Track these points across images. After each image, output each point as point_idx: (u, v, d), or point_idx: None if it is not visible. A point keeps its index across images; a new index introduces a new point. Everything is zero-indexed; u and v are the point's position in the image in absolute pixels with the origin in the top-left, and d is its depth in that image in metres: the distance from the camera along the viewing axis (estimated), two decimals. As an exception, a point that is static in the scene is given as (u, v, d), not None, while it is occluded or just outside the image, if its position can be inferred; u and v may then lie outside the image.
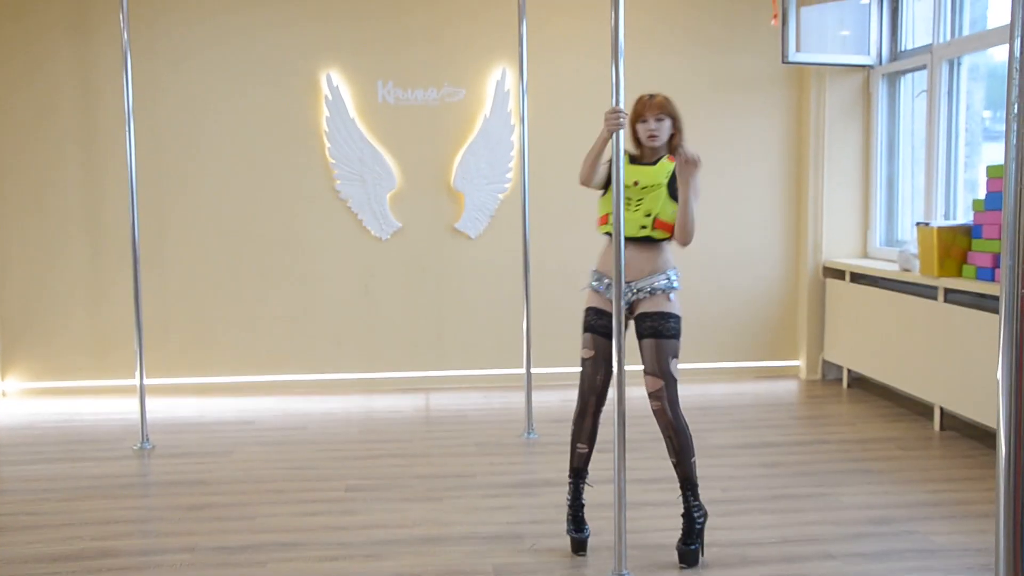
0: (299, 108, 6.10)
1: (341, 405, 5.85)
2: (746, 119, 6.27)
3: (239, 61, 6.06)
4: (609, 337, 3.33)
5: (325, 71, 6.08)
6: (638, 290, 3.34)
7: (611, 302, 3.37)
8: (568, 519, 3.46)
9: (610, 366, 3.32)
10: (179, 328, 6.15)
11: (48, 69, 5.98)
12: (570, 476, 3.50)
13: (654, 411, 3.30)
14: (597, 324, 3.39)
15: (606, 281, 3.41)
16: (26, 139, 6.00)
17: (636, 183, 3.34)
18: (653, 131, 3.35)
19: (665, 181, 3.32)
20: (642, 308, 3.34)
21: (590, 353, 3.38)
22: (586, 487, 3.51)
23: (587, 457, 3.46)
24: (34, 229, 6.05)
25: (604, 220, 3.45)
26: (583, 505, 3.48)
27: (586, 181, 3.39)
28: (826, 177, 6.19)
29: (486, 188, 6.19)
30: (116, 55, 5.74)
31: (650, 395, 3.30)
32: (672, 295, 3.34)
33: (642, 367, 3.32)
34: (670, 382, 3.28)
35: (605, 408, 3.39)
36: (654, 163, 3.37)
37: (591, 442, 3.44)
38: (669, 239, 3.36)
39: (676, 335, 3.32)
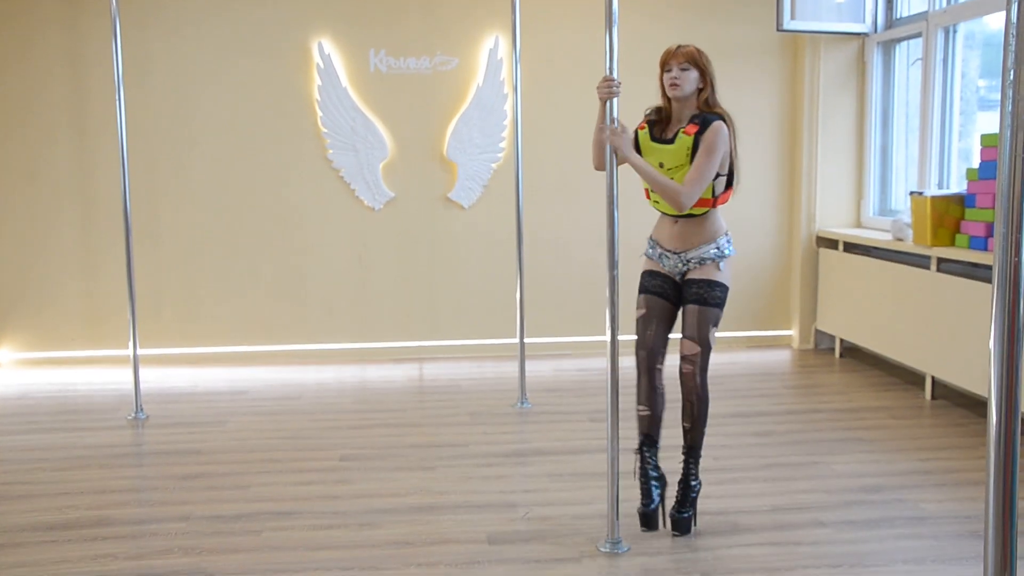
0: (291, 77, 6.06)
1: (334, 375, 5.85)
2: (740, 88, 6.23)
3: (230, 30, 6.00)
4: (662, 296, 3.35)
5: (317, 39, 6.03)
6: (688, 260, 3.32)
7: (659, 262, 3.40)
8: (641, 491, 3.32)
9: (662, 324, 3.33)
10: (172, 298, 6.14)
11: (38, 42, 5.92)
12: (637, 445, 3.37)
13: (682, 373, 3.27)
14: (651, 284, 3.38)
15: (659, 251, 3.39)
16: (17, 111, 5.95)
17: (662, 165, 3.28)
18: (675, 79, 3.25)
19: (688, 159, 3.24)
20: (691, 275, 3.32)
21: (642, 311, 3.36)
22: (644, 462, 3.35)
23: (650, 421, 3.33)
24: (27, 201, 6.02)
25: (648, 194, 3.39)
26: (653, 476, 3.31)
27: (599, 165, 3.31)
28: (820, 146, 6.18)
29: (479, 157, 6.16)
30: (106, 26, 5.68)
31: (683, 358, 3.28)
32: (723, 263, 3.32)
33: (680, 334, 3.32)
34: (706, 349, 3.27)
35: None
36: (672, 140, 3.28)
37: (651, 404, 3.32)
38: (711, 209, 3.32)
39: (720, 304, 3.30)
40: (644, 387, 3.33)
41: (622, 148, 3.16)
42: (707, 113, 3.27)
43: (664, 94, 3.34)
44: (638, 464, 3.34)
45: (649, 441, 3.34)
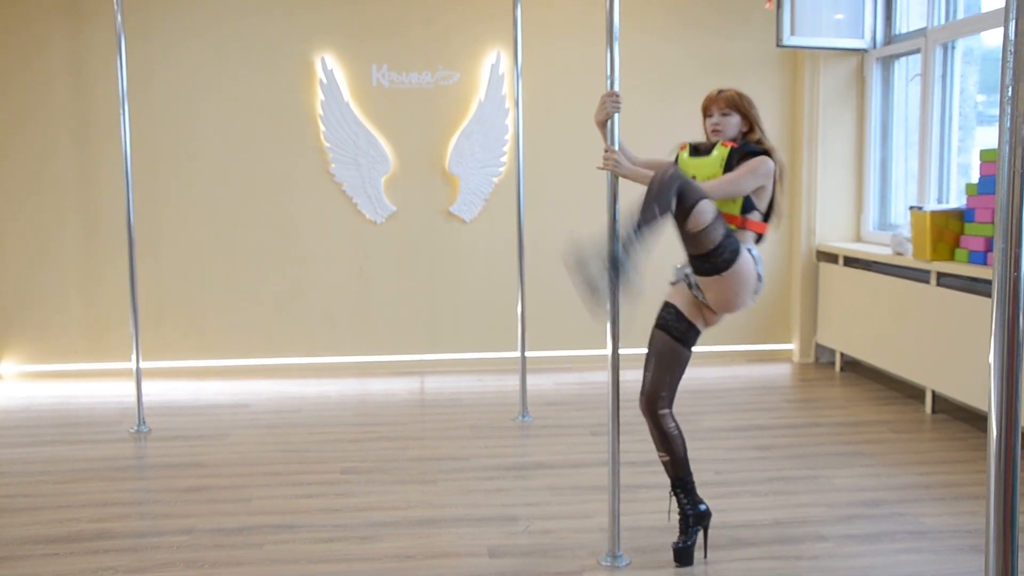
0: (294, 92, 6.09)
1: (336, 388, 5.86)
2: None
3: (233, 45, 6.04)
4: (663, 328, 3.18)
5: (319, 54, 6.06)
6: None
7: (679, 290, 3.21)
8: (679, 528, 3.25)
9: (661, 364, 3.17)
10: (174, 311, 6.15)
11: (42, 54, 5.95)
12: (669, 487, 3.29)
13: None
14: (659, 317, 3.21)
15: (676, 266, 3.22)
16: (21, 124, 5.98)
17: (694, 177, 3.14)
18: (716, 125, 3.20)
19: (720, 170, 3.13)
20: None
21: (647, 351, 3.22)
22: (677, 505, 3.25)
23: (673, 465, 3.21)
24: (30, 213, 6.04)
25: None
26: (689, 514, 3.21)
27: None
28: (820, 161, 6.20)
29: (480, 172, 6.19)
30: (110, 40, 5.71)
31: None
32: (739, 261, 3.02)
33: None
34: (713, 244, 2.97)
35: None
36: (709, 152, 3.18)
37: (668, 449, 3.19)
38: (738, 228, 3.12)
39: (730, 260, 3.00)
40: (655, 434, 3.22)
41: (620, 168, 3.11)
42: (748, 143, 3.18)
43: (708, 138, 3.26)
44: (672, 505, 3.28)
45: (679, 483, 3.23)
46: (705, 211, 2.92)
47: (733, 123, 3.21)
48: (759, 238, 3.19)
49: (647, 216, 2.85)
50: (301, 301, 6.23)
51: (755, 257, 3.11)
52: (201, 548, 3.36)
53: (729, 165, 3.12)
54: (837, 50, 6.02)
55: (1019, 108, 1.59)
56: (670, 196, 2.87)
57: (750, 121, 3.23)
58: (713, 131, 3.22)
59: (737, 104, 3.21)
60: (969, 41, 5.29)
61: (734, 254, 3.00)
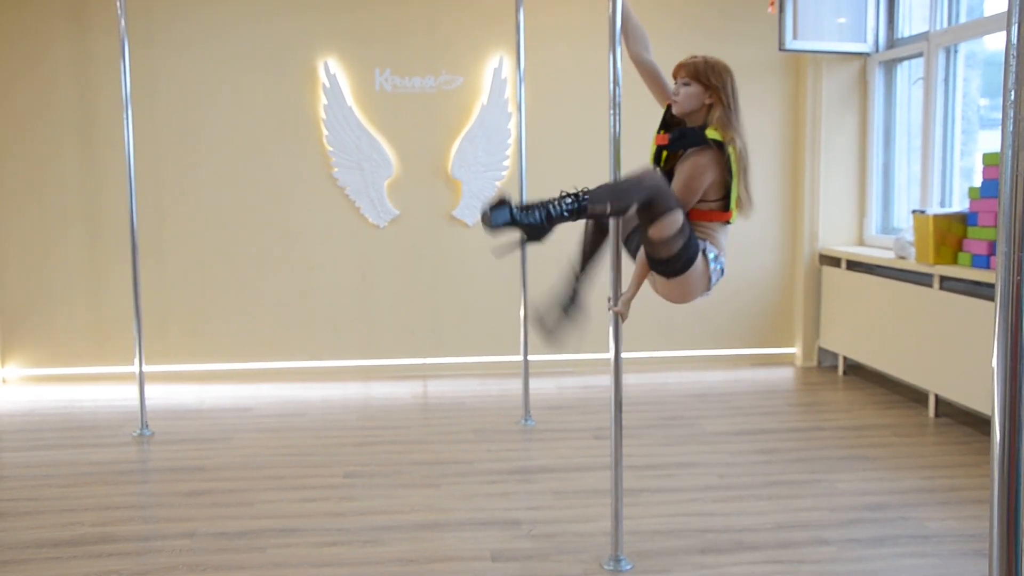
0: (297, 96, 6.09)
1: (339, 392, 5.86)
2: (743, 107, 6.24)
3: (237, 49, 6.05)
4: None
5: (323, 59, 6.07)
6: None
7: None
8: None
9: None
10: (178, 315, 6.16)
11: (46, 58, 5.96)
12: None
13: None
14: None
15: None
16: (25, 128, 5.99)
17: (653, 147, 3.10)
18: (674, 95, 2.96)
19: (651, 162, 3.03)
20: None
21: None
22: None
23: (581, 247, 3.27)
24: (33, 217, 6.05)
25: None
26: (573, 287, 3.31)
27: (634, 57, 3.13)
28: (823, 165, 6.20)
29: (483, 176, 6.19)
30: (114, 44, 5.73)
31: None
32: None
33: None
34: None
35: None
36: (657, 132, 3.04)
37: (591, 239, 3.25)
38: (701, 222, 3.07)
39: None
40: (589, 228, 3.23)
41: (621, 307, 3.13)
42: (694, 129, 2.96)
43: None
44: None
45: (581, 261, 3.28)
46: (673, 222, 2.78)
47: (691, 94, 2.94)
48: (726, 222, 3.10)
49: (596, 207, 2.74)
50: (304, 305, 6.23)
51: (712, 260, 3.03)
52: (204, 552, 3.36)
53: (657, 158, 3.00)
54: (840, 54, 6.02)
55: (1022, 112, 1.59)
56: (629, 203, 2.74)
57: (716, 93, 2.95)
58: (672, 101, 2.99)
59: (699, 74, 2.93)
60: (972, 45, 5.29)
61: (687, 264, 2.90)
